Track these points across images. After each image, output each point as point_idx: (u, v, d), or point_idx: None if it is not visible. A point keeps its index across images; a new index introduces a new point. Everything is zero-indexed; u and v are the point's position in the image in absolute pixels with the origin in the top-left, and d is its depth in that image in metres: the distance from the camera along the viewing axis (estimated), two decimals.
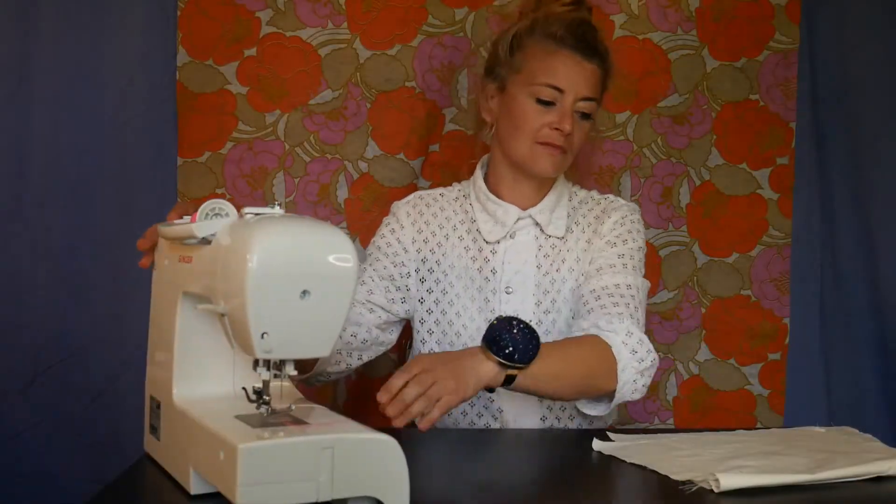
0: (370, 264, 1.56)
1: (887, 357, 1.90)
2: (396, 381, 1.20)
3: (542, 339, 1.47)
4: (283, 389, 1.12)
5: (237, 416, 1.03)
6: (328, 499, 0.93)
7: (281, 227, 0.98)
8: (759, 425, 1.90)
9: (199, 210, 1.05)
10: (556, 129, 1.46)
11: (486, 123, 1.57)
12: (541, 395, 1.38)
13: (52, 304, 1.77)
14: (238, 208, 1.06)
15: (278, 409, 1.05)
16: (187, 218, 1.10)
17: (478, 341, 1.48)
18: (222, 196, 1.79)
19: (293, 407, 1.06)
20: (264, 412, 1.03)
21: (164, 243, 1.21)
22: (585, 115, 1.49)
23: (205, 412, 1.04)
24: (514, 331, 1.28)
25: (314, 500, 0.93)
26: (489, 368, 1.26)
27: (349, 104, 1.84)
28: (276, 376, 1.02)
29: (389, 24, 1.85)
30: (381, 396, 1.20)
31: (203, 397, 1.10)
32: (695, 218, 1.93)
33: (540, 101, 1.47)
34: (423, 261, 1.56)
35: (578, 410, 1.47)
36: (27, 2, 1.75)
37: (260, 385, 1.04)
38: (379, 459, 0.96)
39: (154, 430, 1.17)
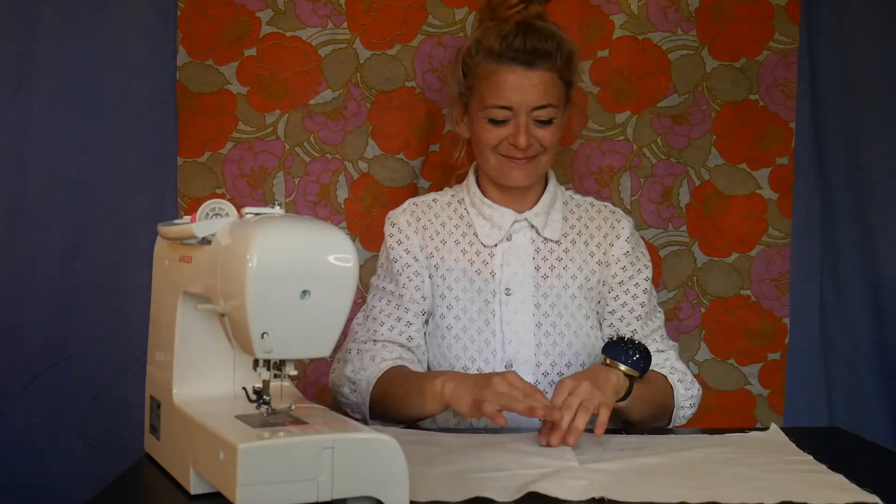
0: (399, 283, 1.55)
1: (887, 357, 1.89)
2: (554, 415, 1.24)
3: (542, 342, 1.51)
4: (283, 389, 1.12)
5: (237, 416, 1.03)
6: (328, 499, 0.93)
7: (281, 227, 0.98)
8: (758, 425, 1.89)
9: (199, 210, 1.05)
10: (513, 144, 1.49)
11: (461, 143, 1.63)
12: (625, 414, 1.41)
13: (52, 304, 1.77)
14: (238, 208, 1.06)
15: (278, 409, 1.05)
16: (187, 218, 1.10)
17: (478, 343, 1.49)
18: (222, 196, 1.79)
19: (293, 407, 1.06)
20: (264, 412, 1.03)
21: (163, 243, 1.21)
22: (546, 121, 1.49)
23: (205, 412, 1.04)
24: (633, 343, 1.38)
25: (314, 500, 0.93)
26: (619, 377, 1.35)
27: (349, 104, 1.85)
28: (276, 376, 1.02)
29: (389, 24, 1.85)
30: (549, 438, 1.24)
31: (203, 397, 1.10)
32: (695, 218, 1.93)
33: (493, 122, 1.49)
34: (426, 266, 1.57)
35: None
36: (28, 2, 1.75)
37: (260, 385, 1.04)
38: (379, 459, 0.96)
39: (154, 430, 1.17)
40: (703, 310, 1.92)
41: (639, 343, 1.39)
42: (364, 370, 1.47)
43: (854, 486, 1.08)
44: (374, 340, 1.52)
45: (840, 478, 1.12)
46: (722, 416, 1.90)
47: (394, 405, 1.41)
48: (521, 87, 1.47)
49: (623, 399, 1.36)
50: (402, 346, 1.52)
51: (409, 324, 1.53)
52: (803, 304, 1.93)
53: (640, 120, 1.90)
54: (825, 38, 1.92)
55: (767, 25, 1.91)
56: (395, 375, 1.44)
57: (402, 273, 1.56)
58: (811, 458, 1.22)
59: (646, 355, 1.37)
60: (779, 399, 1.92)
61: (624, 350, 1.36)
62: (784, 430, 1.38)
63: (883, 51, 1.88)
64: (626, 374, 1.35)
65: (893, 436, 1.89)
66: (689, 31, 1.90)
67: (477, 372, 1.49)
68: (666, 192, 1.92)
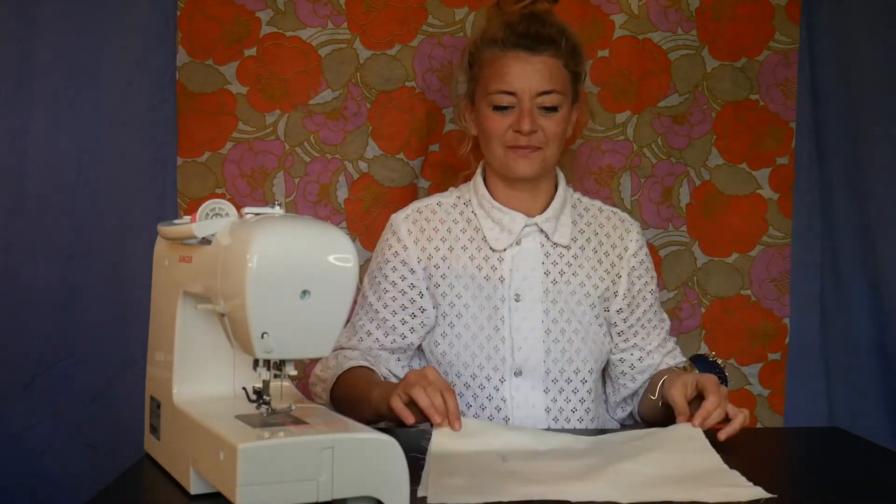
0: (383, 300, 1.54)
1: (887, 357, 1.89)
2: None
3: (551, 348, 1.53)
4: (283, 389, 1.12)
5: (237, 416, 1.03)
6: (328, 499, 0.93)
7: (281, 227, 0.98)
8: (759, 425, 1.90)
9: (199, 210, 1.05)
10: (518, 131, 1.48)
11: (468, 138, 1.62)
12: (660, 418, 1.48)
13: (52, 304, 1.77)
14: (238, 208, 1.06)
15: (278, 409, 1.05)
16: (187, 218, 1.10)
17: (487, 350, 1.49)
18: (222, 196, 1.79)
19: (293, 407, 1.06)
20: (264, 412, 1.03)
21: (163, 243, 1.21)
22: (551, 109, 1.49)
23: (205, 412, 1.05)
24: (721, 368, 1.52)
25: (314, 500, 0.93)
26: None
27: (349, 104, 1.85)
28: (276, 376, 1.03)
29: (389, 24, 1.85)
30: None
31: (203, 397, 1.11)
32: (695, 218, 1.93)
33: (497, 108, 1.49)
34: (430, 276, 1.55)
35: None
36: (28, 2, 1.75)
37: (260, 385, 1.04)
38: (379, 459, 0.96)
39: (154, 430, 1.17)
40: (703, 310, 1.92)
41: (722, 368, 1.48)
42: (329, 369, 1.50)
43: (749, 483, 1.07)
44: (346, 347, 1.54)
45: (735, 474, 1.12)
46: None
47: (347, 409, 1.41)
48: (525, 71, 1.47)
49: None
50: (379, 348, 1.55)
51: (390, 338, 1.55)
52: (803, 304, 1.93)
53: (640, 120, 1.90)
54: (825, 38, 1.92)
55: (768, 25, 1.91)
56: (351, 378, 1.46)
57: (388, 292, 1.54)
58: (719, 458, 1.21)
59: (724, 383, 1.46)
60: (779, 399, 1.92)
61: (719, 373, 1.47)
62: (784, 430, 1.38)
63: (883, 51, 1.88)
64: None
65: (893, 436, 1.89)
66: (689, 30, 1.90)
67: (485, 380, 1.49)
68: (666, 192, 1.92)
